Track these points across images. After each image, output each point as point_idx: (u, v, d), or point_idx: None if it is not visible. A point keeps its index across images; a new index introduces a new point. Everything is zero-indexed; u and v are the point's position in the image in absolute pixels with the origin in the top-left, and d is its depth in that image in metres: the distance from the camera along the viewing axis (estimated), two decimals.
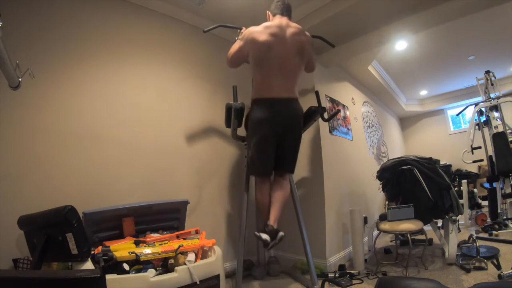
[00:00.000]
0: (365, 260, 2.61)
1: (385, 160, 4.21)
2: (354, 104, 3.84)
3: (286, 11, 1.95)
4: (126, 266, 1.42)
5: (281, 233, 1.71)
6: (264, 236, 1.64)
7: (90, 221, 1.61)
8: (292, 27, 1.89)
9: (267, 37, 1.82)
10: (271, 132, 1.85)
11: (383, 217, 2.43)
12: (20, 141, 1.66)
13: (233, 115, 2.15)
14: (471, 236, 2.54)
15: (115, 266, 1.39)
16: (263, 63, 1.85)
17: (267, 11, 2.04)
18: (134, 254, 1.45)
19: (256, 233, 1.70)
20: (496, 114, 3.62)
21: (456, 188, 3.51)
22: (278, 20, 1.90)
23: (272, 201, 1.85)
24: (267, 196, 1.89)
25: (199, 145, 2.55)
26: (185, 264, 1.55)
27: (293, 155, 1.98)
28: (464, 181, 3.97)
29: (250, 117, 1.94)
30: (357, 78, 4.10)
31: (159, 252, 1.53)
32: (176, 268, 1.50)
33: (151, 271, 1.44)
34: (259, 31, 1.85)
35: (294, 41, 1.86)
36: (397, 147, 5.81)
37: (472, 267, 2.13)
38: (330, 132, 2.98)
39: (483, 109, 3.72)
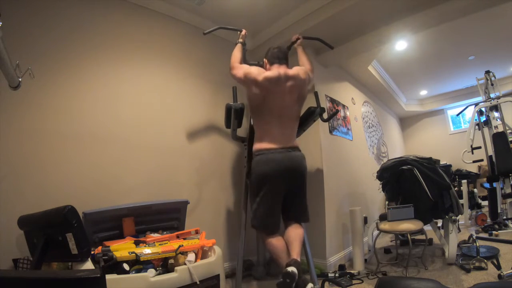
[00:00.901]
0: (365, 260, 2.61)
1: (385, 160, 4.21)
2: (354, 104, 3.84)
3: (284, 59, 1.92)
4: (126, 266, 1.42)
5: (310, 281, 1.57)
6: (290, 268, 1.45)
7: (90, 221, 1.61)
8: (290, 74, 1.84)
9: (266, 89, 1.78)
10: (278, 185, 1.75)
11: (383, 217, 2.43)
12: (20, 141, 1.66)
13: (233, 115, 2.15)
14: (471, 236, 2.54)
15: (115, 266, 1.39)
16: (263, 113, 1.82)
17: (264, 59, 1.97)
18: (134, 254, 1.45)
19: (280, 283, 1.45)
20: (496, 114, 3.61)
21: (456, 188, 3.51)
22: (276, 70, 1.85)
23: (290, 240, 1.71)
24: (281, 239, 1.74)
25: (200, 145, 2.55)
26: (185, 264, 1.55)
27: (304, 204, 1.88)
28: (464, 181, 3.97)
29: (254, 171, 1.82)
30: (357, 78, 4.10)
31: (159, 252, 1.53)
32: (176, 268, 1.50)
33: (151, 271, 1.44)
34: (260, 82, 1.78)
35: (293, 90, 1.83)
36: (397, 147, 5.81)
37: (472, 267, 2.13)
38: (330, 132, 2.98)
39: (483, 109, 3.72)
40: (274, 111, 1.80)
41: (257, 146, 1.84)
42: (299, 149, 1.88)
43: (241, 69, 1.90)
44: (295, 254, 1.63)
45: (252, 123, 2.04)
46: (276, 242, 1.72)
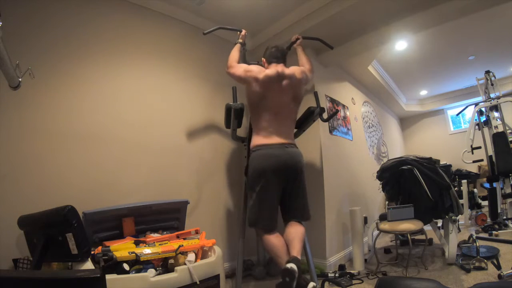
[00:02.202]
0: (365, 260, 2.61)
1: (385, 160, 4.21)
2: (354, 104, 3.84)
3: (282, 58, 1.95)
4: (126, 266, 1.42)
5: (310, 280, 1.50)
6: (290, 265, 1.39)
7: (90, 221, 1.61)
8: (286, 73, 1.88)
9: (265, 87, 1.82)
10: (275, 180, 1.74)
11: (383, 217, 2.43)
12: (20, 141, 1.66)
13: (233, 115, 2.15)
14: (471, 236, 2.54)
15: (115, 266, 1.39)
16: (261, 111, 1.84)
17: (263, 58, 2.00)
18: (134, 254, 1.45)
19: (279, 283, 1.41)
20: (496, 114, 3.61)
21: (456, 188, 3.51)
22: (274, 68, 1.88)
23: (290, 238, 1.67)
24: (280, 237, 1.70)
25: (200, 145, 2.55)
26: (185, 264, 1.55)
27: (303, 201, 1.85)
28: (464, 181, 3.97)
29: (251, 166, 1.82)
30: (357, 78, 4.10)
31: (159, 252, 1.53)
32: (176, 268, 1.50)
33: (151, 271, 1.44)
34: (260, 80, 1.82)
35: (288, 89, 1.86)
36: (397, 147, 5.81)
37: (472, 267, 2.13)
38: (330, 132, 2.98)
39: (483, 109, 3.72)
40: (271, 108, 1.82)
41: (254, 142, 1.85)
42: (296, 146, 1.89)
43: (241, 67, 1.92)
44: (295, 252, 1.57)
45: (250, 120, 2.05)
46: (274, 240, 1.67)
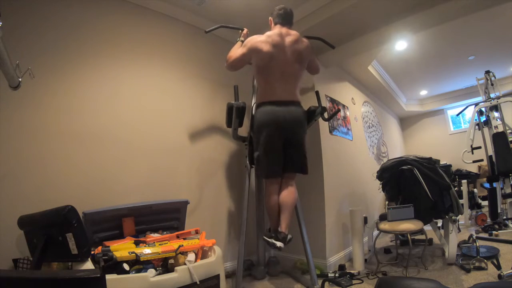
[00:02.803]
0: (365, 260, 2.61)
1: (385, 160, 4.21)
2: (354, 104, 3.84)
3: (287, 20, 2.06)
4: (126, 266, 1.42)
5: (289, 236, 1.81)
6: (279, 244, 1.73)
7: (90, 221, 1.61)
8: (291, 35, 2.00)
9: (269, 48, 1.93)
10: (277, 132, 1.89)
11: (383, 217, 2.43)
12: (20, 141, 1.66)
13: (234, 114, 2.15)
14: (471, 236, 2.54)
15: (115, 266, 1.39)
16: (266, 71, 1.95)
17: (270, 18, 2.10)
18: (134, 254, 1.45)
19: (267, 238, 1.79)
20: (496, 114, 3.62)
21: (456, 188, 3.51)
22: (278, 30, 2.01)
23: (282, 209, 1.89)
24: (276, 200, 1.92)
25: (200, 145, 2.55)
26: (185, 264, 1.55)
27: (301, 154, 1.99)
28: (464, 181, 3.97)
29: (256, 120, 1.99)
30: (357, 78, 4.09)
31: (159, 252, 1.53)
32: (176, 268, 1.50)
33: (151, 271, 1.44)
34: (262, 41, 1.94)
35: (293, 49, 1.97)
36: (397, 147, 5.81)
37: (472, 267, 2.13)
38: (330, 132, 2.98)
39: (483, 109, 3.72)
40: (277, 67, 1.93)
41: (259, 99, 2.00)
42: (299, 103, 2.01)
43: (238, 49, 2.03)
44: (284, 226, 1.81)
45: (255, 83, 2.19)
46: (271, 201, 1.91)
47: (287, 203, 1.90)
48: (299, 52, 1.99)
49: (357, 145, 3.61)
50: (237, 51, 2.04)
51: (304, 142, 2.01)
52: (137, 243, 1.60)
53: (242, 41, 2.15)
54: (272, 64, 1.92)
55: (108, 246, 1.48)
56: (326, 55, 2.94)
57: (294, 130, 1.94)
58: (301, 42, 2.03)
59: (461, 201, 2.97)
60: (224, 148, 2.74)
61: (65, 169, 1.80)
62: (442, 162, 3.88)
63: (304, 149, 2.01)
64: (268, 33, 2.00)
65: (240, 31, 2.23)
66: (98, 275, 0.68)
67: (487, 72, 3.77)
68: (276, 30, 2.01)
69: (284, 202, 1.90)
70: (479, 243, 2.28)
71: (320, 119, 2.43)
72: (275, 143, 1.91)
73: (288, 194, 1.93)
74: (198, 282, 1.50)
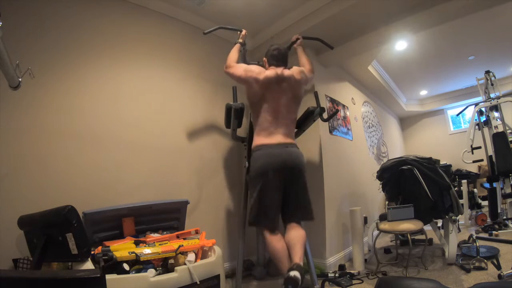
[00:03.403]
0: (365, 260, 2.61)
1: (385, 160, 4.21)
2: (354, 104, 3.84)
3: (282, 61, 1.95)
4: (126, 266, 1.42)
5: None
6: (293, 273, 1.41)
7: (90, 221, 1.61)
8: (285, 75, 1.88)
9: (265, 88, 1.83)
10: (275, 179, 1.74)
11: (383, 217, 2.43)
12: (20, 141, 1.66)
13: (233, 115, 2.15)
14: (471, 236, 2.54)
15: (115, 266, 1.39)
16: (261, 111, 1.85)
17: (264, 58, 2.00)
18: (134, 254, 1.45)
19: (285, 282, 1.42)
20: (496, 114, 3.61)
21: (456, 188, 3.51)
22: (274, 70, 1.89)
23: (292, 243, 1.65)
24: (282, 241, 1.69)
25: (200, 145, 2.55)
26: (185, 264, 1.55)
27: (305, 201, 1.83)
28: (464, 181, 3.97)
29: (252, 166, 1.84)
30: (357, 78, 4.10)
31: (159, 252, 1.53)
32: (176, 268, 1.50)
33: (151, 271, 1.44)
34: (261, 80, 1.83)
35: (289, 90, 1.87)
36: (397, 147, 5.81)
37: (472, 267, 2.13)
38: (330, 132, 2.98)
39: (483, 109, 3.72)
40: (271, 109, 1.84)
41: (255, 142, 1.87)
42: (297, 146, 1.90)
43: (240, 67, 1.93)
44: (298, 259, 1.56)
45: (251, 120, 2.06)
46: (276, 244, 1.66)
47: (299, 238, 1.67)
48: (295, 93, 1.91)
49: (357, 145, 3.61)
50: (237, 69, 1.91)
51: (307, 187, 1.86)
52: (137, 243, 1.60)
53: (241, 43, 2.14)
54: (268, 104, 1.83)
55: (108, 246, 1.48)
56: (326, 55, 2.94)
57: (296, 176, 1.80)
58: (297, 84, 1.92)
59: (461, 201, 2.97)
60: (224, 148, 2.74)
61: (65, 169, 1.80)
62: (442, 162, 3.89)
63: (309, 195, 1.85)
64: (265, 72, 1.87)
65: (239, 32, 2.23)
66: (98, 275, 0.68)
67: (487, 72, 3.77)
68: (272, 71, 1.88)
69: (295, 238, 1.67)
70: (479, 243, 2.28)
71: (319, 120, 2.43)
72: (275, 193, 1.75)
73: (298, 231, 1.73)
74: (198, 282, 1.50)
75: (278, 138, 1.82)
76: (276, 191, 1.76)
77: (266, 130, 1.84)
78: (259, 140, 1.85)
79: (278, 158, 1.76)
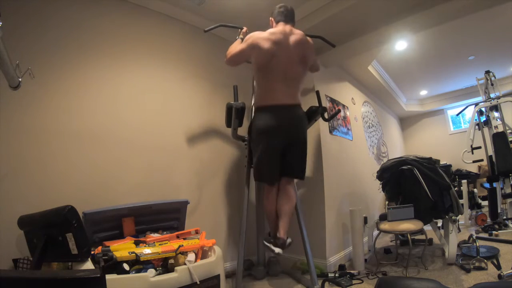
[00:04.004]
0: (365, 260, 2.61)
1: (385, 160, 4.21)
2: (354, 104, 3.84)
3: (290, 18, 1.95)
4: (126, 266, 1.42)
5: (289, 240, 1.83)
6: (277, 250, 1.75)
7: (90, 221, 1.61)
8: (295, 34, 1.90)
9: (272, 45, 1.83)
10: (277, 139, 1.85)
11: (383, 217, 2.43)
12: (20, 141, 1.66)
13: (234, 114, 2.15)
14: (471, 236, 2.54)
15: (115, 266, 1.39)
16: (267, 70, 1.86)
17: (270, 18, 2.02)
18: (134, 254, 1.45)
19: (267, 243, 1.83)
20: (496, 114, 3.62)
21: (456, 188, 3.51)
22: (281, 28, 1.89)
23: (280, 214, 1.87)
24: (274, 204, 1.92)
25: (200, 145, 2.55)
26: (185, 264, 1.55)
27: (301, 161, 1.97)
28: (464, 181, 3.97)
29: (254, 125, 1.93)
30: (357, 78, 4.09)
31: (159, 252, 1.53)
32: (176, 268, 1.50)
33: (151, 271, 1.44)
34: (264, 38, 1.84)
35: (297, 50, 1.88)
36: (397, 147, 5.81)
37: (472, 267, 2.13)
38: (330, 132, 2.98)
39: (483, 109, 3.73)
40: (279, 68, 1.84)
41: (259, 102, 1.92)
42: (300, 107, 1.94)
43: (238, 44, 1.96)
44: (282, 233, 1.79)
45: (254, 83, 2.11)
46: (269, 206, 1.92)
47: (285, 209, 1.88)
48: (304, 53, 1.90)
49: (357, 145, 3.61)
50: (237, 47, 1.96)
51: (306, 148, 1.98)
52: (137, 243, 1.60)
53: (242, 39, 2.12)
54: (274, 63, 1.83)
55: (108, 246, 1.48)
56: (326, 55, 2.94)
57: (297, 136, 1.91)
58: (306, 42, 1.94)
59: (461, 201, 2.97)
60: (224, 148, 2.74)
61: (65, 169, 1.79)
62: (442, 162, 3.89)
63: (305, 156, 1.98)
64: (271, 30, 1.89)
65: (240, 29, 2.23)
66: (98, 275, 0.68)
67: (487, 72, 3.77)
68: (279, 28, 1.90)
69: (282, 208, 1.88)
70: (479, 243, 2.28)
71: (320, 119, 2.43)
72: (275, 150, 1.88)
73: (286, 200, 1.91)
74: (198, 282, 1.50)
75: (283, 99, 1.85)
76: (277, 151, 1.88)
77: (271, 91, 1.87)
78: (263, 100, 1.90)
79: (281, 121, 1.83)
